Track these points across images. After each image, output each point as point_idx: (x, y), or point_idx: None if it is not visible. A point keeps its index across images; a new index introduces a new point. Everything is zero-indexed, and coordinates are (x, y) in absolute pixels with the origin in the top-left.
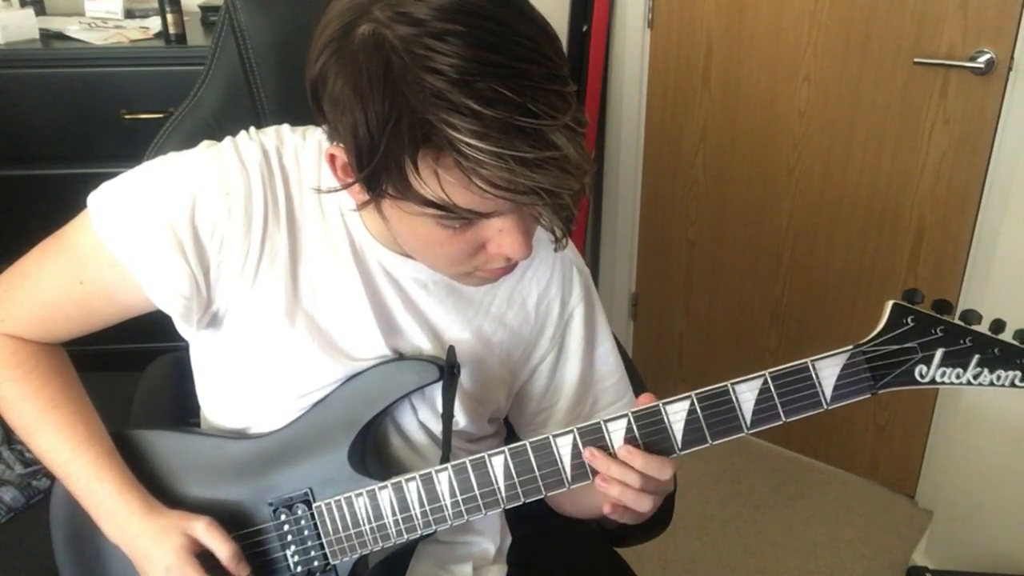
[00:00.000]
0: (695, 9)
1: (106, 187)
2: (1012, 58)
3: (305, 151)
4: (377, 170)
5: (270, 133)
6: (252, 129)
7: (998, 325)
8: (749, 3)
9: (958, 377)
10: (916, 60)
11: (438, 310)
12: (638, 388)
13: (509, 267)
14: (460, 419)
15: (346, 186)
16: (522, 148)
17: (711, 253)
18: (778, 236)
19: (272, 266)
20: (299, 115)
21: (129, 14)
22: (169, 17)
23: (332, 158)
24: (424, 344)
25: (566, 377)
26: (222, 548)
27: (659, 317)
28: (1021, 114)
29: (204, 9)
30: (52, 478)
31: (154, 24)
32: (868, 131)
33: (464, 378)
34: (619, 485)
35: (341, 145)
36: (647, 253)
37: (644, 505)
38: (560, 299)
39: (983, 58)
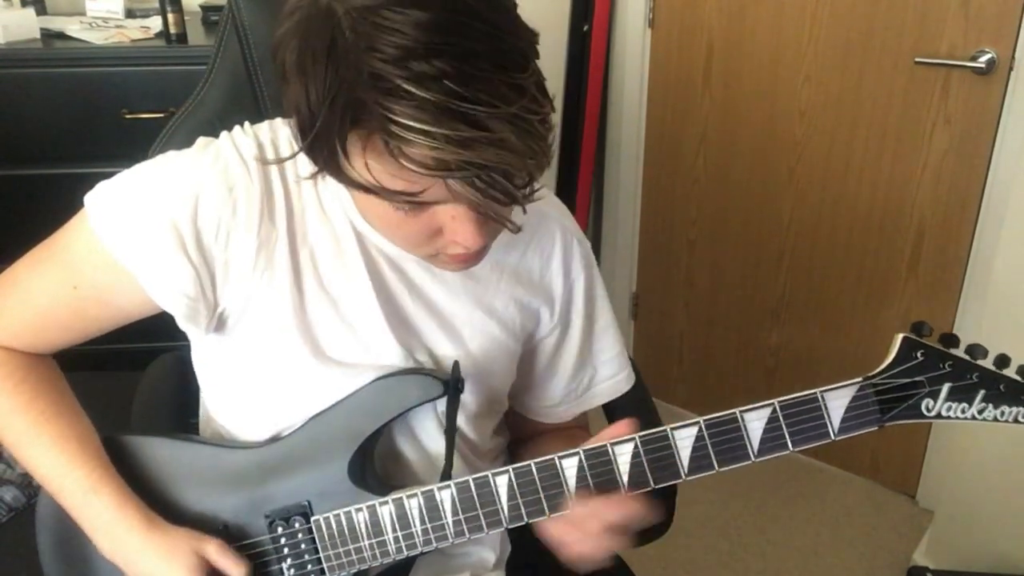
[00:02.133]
0: (696, 9)
1: (103, 187)
2: (1013, 58)
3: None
4: (313, 147)
5: (263, 127)
6: (246, 124)
7: (1002, 360)
8: (750, 3)
9: (963, 412)
10: (917, 60)
11: (445, 293)
12: (639, 388)
13: (470, 254)
14: (466, 428)
15: (291, 156)
16: (452, 127)
17: (712, 253)
18: (779, 236)
19: (275, 261)
20: None
21: (130, 14)
22: (170, 17)
23: None
24: (434, 334)
25: (567, 348)
26: (236, 570)
27: (659, 317)
28: (1022, 114)
29: (205, 9)
30: None
31: (155, 24)
32: (869, 131)
33: (474, 358)
34: (577, 532)
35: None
36: (648, 253)
37: (606, 544)
38: (563, 271)
39: (984, 58)
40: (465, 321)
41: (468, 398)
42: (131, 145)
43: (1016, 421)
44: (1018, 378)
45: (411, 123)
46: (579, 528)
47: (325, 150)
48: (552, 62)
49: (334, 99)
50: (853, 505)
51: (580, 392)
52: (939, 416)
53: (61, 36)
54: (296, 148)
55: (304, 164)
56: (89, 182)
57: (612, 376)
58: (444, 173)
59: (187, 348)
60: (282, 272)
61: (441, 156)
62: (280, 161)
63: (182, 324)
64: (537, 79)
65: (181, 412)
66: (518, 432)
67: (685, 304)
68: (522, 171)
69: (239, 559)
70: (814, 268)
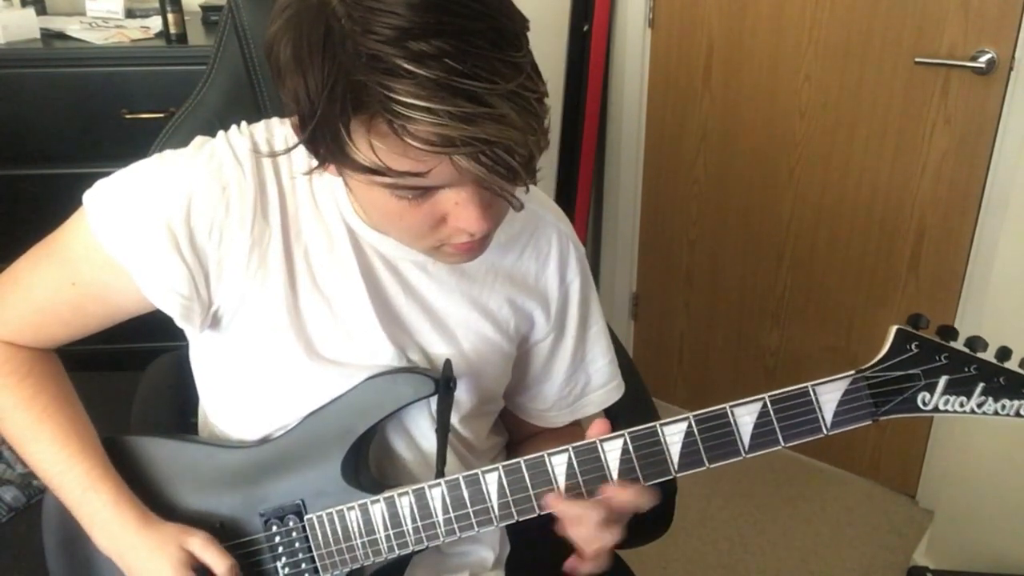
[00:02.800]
0: (696, 9)
1: (101, 186)
2: (1013, 58)
3: (295, 140)
4: (315, 136)
5: (259, 126)
6: (243, 124)
7: (1004, 353)
8: (750, 3)
9: (961, 406)
10: (917, 60)
11: (439, 292)
12: (639, 388)
13: (475, 242)
14: (460, 427)
15: (292, 148)
16: (455, 104)
17: (712, 253)
18: (779, 236)
19: (268, 260)
20: None
21: (130, 14)
22: (170, 17)
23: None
24: (427, 335)
25: (561, 355)
26: (220, 563)
27: (659, 317)
28: (1022, 114)
29: (205, 9)
30: None
31: (155, 24)
32: (869, 131)
33: (467, 358)
34: (580, 526)
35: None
36: (648, 253)
37: (613, 538)
38: (559, 275)
39: (984, 58)
40: (459, 321)
41: (462, 397)
42: (131, 145)
43: (1017, 415)
44: (1019, 371)
45: (413, 101)
46: (576, 526)
47: (328, 137)
48: (552, 62)
49: (334, 85)
50: (853, 505)
51: (572, 400)
52: (936, 410)
53: (61, 36)
54: (295, 143)
55: (299, 162)
56: (89, 182)
57: (604, 385)
58: (450, 149)
59: (187, 348)
60: (276, 271)
61: (445, 132)
62: (277, 154)
63: (178, 322)
64: (531, 60)
65: (181, 412)
66: (514, 432)
67: (685, 304)
68: (523, 147)
69: (223, 554)
70: (814, 268)
